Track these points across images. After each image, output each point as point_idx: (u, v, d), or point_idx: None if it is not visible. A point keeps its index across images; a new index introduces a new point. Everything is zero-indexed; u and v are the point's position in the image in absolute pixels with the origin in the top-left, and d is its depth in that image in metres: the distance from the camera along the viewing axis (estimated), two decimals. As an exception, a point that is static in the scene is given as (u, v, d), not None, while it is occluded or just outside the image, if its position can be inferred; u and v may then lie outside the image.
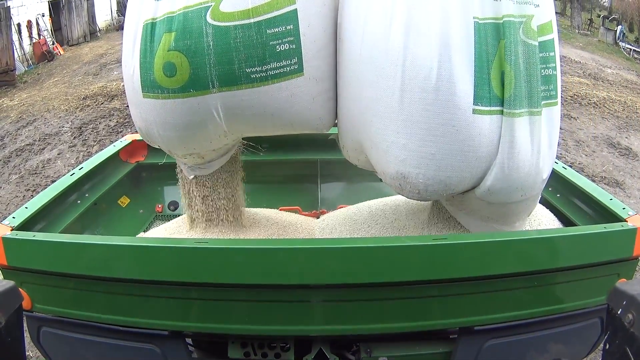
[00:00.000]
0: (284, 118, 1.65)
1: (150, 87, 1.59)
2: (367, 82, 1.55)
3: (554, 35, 1.56)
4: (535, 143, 1.51)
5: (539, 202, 2.03)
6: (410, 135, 1.50)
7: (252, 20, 1.50)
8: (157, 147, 1.85)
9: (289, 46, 1.54)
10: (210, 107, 1.58)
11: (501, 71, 1.47)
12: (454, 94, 1.45)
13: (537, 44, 1.48)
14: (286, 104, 1.61)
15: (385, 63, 1.50)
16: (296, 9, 1.53)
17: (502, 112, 1.48)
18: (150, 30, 1.57)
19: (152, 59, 1.55)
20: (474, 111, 1.47)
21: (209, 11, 1.50)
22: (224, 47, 1.51)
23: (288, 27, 1.53)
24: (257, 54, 1.52)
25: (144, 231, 2.42)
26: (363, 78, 1.56)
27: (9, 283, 1.13)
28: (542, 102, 1.51)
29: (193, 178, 1.98)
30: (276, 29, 1.52)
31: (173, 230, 2.13)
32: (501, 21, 1.45)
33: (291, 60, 1.55)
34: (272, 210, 2.36)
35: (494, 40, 1.46)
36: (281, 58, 1.54)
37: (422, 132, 1.49)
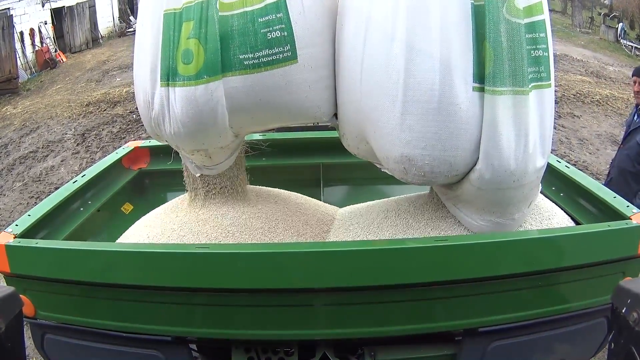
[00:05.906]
0: (280, 107, 1.67)
1: (170, 75, 1.64)
2: (370, 66, 1.55)
3: (545, 16, 1.55)
4: (522, 124, 1.49)
5: (551, 201, 2.01)
6: (417, 116, 1.50)
7: (246, 10, 1.59)
8: (165, 142, 1.85)
9: (280, 34, 1.58)
10: (217, 94, 1.62)
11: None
12: (456, 73, 1.46)
13: (522, 22, 1.48)
14: (282, 91, 1.63)
15: (388, 47, 1.50)
16: None
17: (484, 90, 1.49)
18: (172, 20, 1.64)
19: (175, 47, 1.62)
20: (474, 89, 1.48)
21: (217, 1, 1.60)
22: (223, 35, 1.59)
23: (278, 15, 1.58)
24: (248, 41, 1.58)
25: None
26: (366, 62, 1.56)
27: (9, 289, 1.12)
28: (532, 84, 1.51)
29: (199, 176, 1.99)
30: (266, 17, 1.58)
31: (169, 210, 2.10)
32: (483, 1, 1.46)
33: (283, 48, 1.59)
34: (279, 190, 2.35)
35: (484, 19, 1.47)
36: (272, 45, 1.58)
37: (427, 112, 1.49)
